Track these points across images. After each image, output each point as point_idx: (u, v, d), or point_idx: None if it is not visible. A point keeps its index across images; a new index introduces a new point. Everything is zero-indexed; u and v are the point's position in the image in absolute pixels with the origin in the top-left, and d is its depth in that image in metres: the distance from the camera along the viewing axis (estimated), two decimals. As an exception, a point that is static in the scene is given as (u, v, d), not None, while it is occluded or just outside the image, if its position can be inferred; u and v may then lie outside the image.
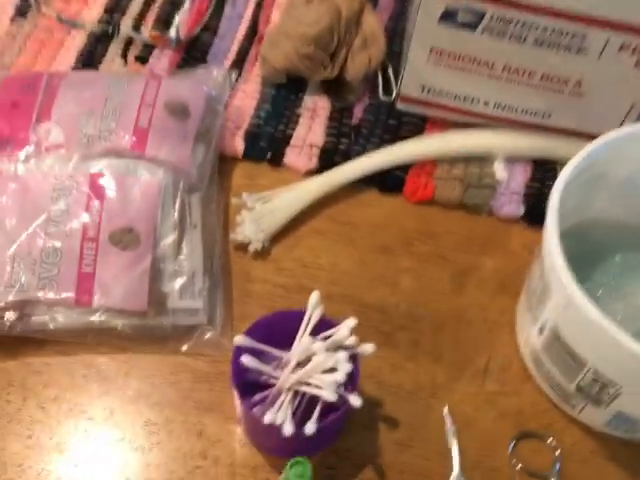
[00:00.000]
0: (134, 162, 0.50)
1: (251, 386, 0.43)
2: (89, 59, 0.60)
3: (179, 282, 0.48)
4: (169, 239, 0.49)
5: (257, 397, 0.43)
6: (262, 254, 0.53)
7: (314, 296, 0.42)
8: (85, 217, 0.47)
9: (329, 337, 0.42)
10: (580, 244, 0.49)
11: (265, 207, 0.53)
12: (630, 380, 0.41)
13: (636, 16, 0.47)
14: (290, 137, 0.58)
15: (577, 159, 0.44)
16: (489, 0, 0.48)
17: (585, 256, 0.49)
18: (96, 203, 0.48)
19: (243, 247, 0.53)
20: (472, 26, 0.50)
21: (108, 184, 0.49)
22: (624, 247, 0.50)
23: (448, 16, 0.50)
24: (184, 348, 0.48)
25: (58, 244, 0.47)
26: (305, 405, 0.42)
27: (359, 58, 0.58)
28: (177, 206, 0.50)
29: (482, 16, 0.49)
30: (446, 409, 0.47)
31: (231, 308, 0.51)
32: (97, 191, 0.48)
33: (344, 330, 0.42)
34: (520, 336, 0.50)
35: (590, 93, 0.53)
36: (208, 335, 0.48)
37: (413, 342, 0.50)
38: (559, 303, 0.41)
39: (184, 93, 0.53)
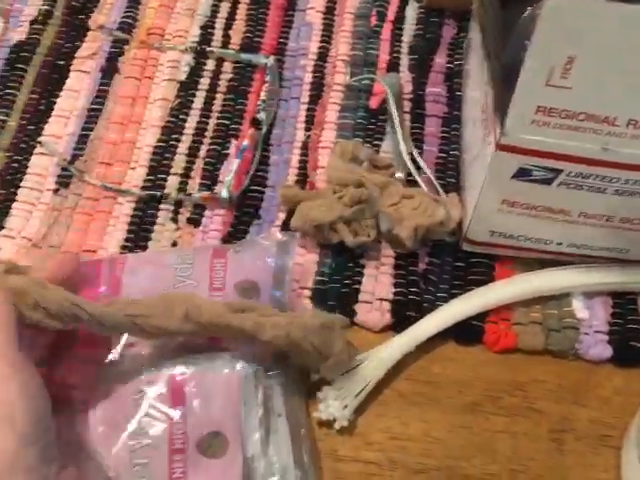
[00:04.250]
0: (211, 355, 0.48)
1: None
2: (140, 226, 0.58)
3: (271, 482, 0.46)
4: (256, 436, 0.46)
5: None
6: (348, 428, 0.51)
7: None
8: (170, 427, 0.45)
9: None
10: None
11: (345, 378, 0.51)
12: None
13: None
14: (358, 292, 0.56)
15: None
16: (567, 159, 0.46)
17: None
18: (179, 410, 0.46)
19: (327, 423, 0.51)
20: (547, 182, 0.48)
21: (189, 385, 0.46)
22: None
23: (522, 174, 0.48)
24: None
25: (144, 460, 0.44)
26: None
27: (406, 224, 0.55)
28: (260, 398, 0.47)
29: (559, 172, 0.47)
30: None
31: (325, 496, 0.48)
32: (179, 395, 0.46)
33: None
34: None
35: (672, 229, 0.51)
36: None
37: (520, 516, 0.48)
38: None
39: (251, 269, 0.51)
